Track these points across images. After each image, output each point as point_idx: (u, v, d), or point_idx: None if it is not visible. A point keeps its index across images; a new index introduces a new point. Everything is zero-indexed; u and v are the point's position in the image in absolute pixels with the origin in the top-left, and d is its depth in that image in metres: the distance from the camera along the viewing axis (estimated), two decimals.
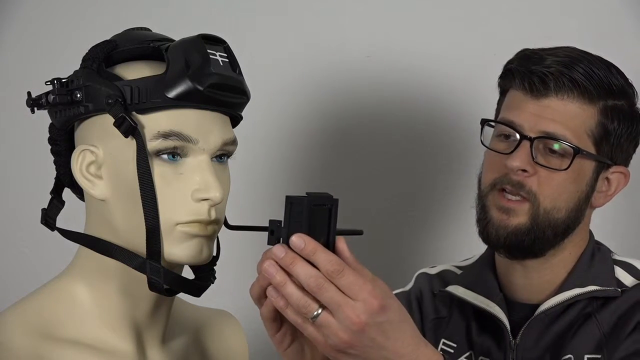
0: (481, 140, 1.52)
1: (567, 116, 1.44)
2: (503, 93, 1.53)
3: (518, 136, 1.45)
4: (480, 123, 1.53)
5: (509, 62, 1.51)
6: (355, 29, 1.98)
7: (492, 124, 1.52)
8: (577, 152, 1.43)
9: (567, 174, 1.44)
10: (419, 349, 1.15)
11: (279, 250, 1.11)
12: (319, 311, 1.11)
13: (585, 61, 1.47)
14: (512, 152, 1.44)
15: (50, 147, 1.31)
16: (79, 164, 1.25)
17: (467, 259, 1.63)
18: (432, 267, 1.64)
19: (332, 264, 1.10)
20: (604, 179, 1.49)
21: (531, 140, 1.44)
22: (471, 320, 1.53)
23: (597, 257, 1.51)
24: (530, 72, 1.46)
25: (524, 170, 1.44)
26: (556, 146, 1.44)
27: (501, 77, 1.53)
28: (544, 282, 1.50)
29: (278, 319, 1.17)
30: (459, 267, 1.62)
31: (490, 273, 1.54)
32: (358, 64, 1.97)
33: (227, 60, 1.25)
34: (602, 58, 1.50)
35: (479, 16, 1.94)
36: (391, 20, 1.97)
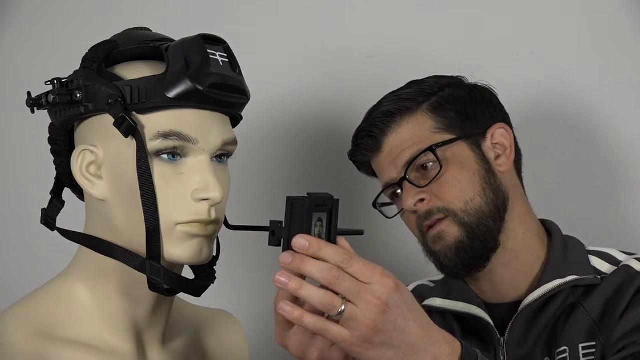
0: (387, 217, 1.60)
1: (407, 137, 1.52)
2: (375, 174, 1.60)
3: (398, 186, 1.52)
4: (374, 207, 1.61)
5: (350, 156, 1.60)
6: (356, 29, 1.98)
7: (384, 200, 1.59)
8: (431, 149, 1.49)
9: (449, 170, 1.49)
10: (436, 332, 1.16)
11: (285, 257, 1.11)
12: (343, 307, 1.10)
13: (389, 94, 1.56)
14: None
15: (50, 147, 1.31)
16: (78, 164, 1.25)
17: (439, 274, 1.64)
18: (407, 286, 1.65)
19: (339, 255, 1.11)
20: (491, 145, 1.53)
21: (404, 178, 1.50)
22: (454, 327, 1.54)
23: (569, 247, 1.53)
24: (360, 138, 1.56)
25: (421, 200, 1.49)
26: (422, 162, 1.50)
27: (360, 168, 1.61)
28: (517, 275, 1.51)
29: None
30: (432, 281, 1.64)
31: (462, 281, 1.56)
32: (358, 64, 1.97)
33: (227, 60, 1.25)
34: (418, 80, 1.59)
35: (478, 16, 1.94)
36: (391, 20, 1.97)
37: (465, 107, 1.53)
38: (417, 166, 1.50)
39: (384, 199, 1.59)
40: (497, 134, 1.53)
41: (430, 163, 1.49)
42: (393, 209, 1.59)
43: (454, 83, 1.56)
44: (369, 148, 1.55)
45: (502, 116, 1.57)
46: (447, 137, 1.51)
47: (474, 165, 1.50)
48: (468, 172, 1.50)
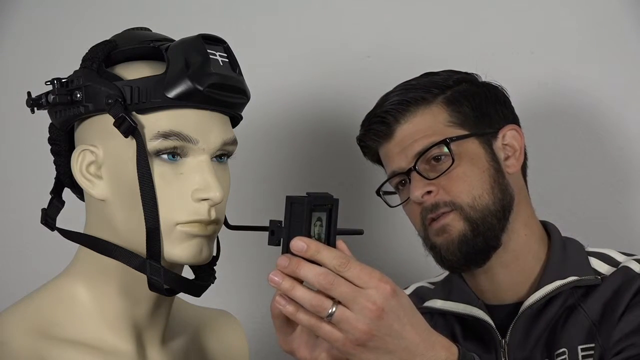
0: (390, 206, 1.59)
1: (421, 128, 1.51)
2: (380, 161, 1.59)
3: (405, 176, 1.51)
4: (377, 195, 1.60)
5: (359, 140, 1.58)
6: (355, 29, 1.98)
7: (388, 189, 1.58)
8: (445, 142, 1.49)
9: (460, 165, 1.49)
10: (433, 337, 1.16)
11: (282, 260, 1.11)
12: (333, 309, 1.10)
13: (403, 83, 1.56)
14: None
15: (50, 147, 1.31)
16: (78, 164, 1.25)
17: (438, 276, 1.63)
18: (405, 288, 1.65)
19: (337, 259, 1.11)
20: (502, 146, 1.53)
21: (413, 168, 1.50)
22: (455, 329, 1.54)
23: (569, 249, 1.53)
24: (372, 123, 1.54)
25: (429, 192, 1.49)
26: (434, 155, 1.49)
27: (366, 154, 1.60)
28: (517, 276, 1.51)
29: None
30: (431, 283, 1.63)
31: (463, 282, 1.56)
32: (358, 64, 1.97)
33: (227, 60, 1.25)
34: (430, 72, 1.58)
35: (479, 16, 1.94)
36: (391, 20, 1.97)
37: (480, 105, 1.53)
38: (428, 158, 1.50)
39: (388, 187, 1.59)
40: (509, 135, 1.54)
41: (442, 156, 1.49)
42: (396, 199, 1.58)
43: (469, 79, 1.57)
44: (380, 134, 1.54)
45: (513, 117, 1.57)
46: (461, 132, 1.51)
47: (484, 163, 1.50)
48: (478, 170, 1.50)
